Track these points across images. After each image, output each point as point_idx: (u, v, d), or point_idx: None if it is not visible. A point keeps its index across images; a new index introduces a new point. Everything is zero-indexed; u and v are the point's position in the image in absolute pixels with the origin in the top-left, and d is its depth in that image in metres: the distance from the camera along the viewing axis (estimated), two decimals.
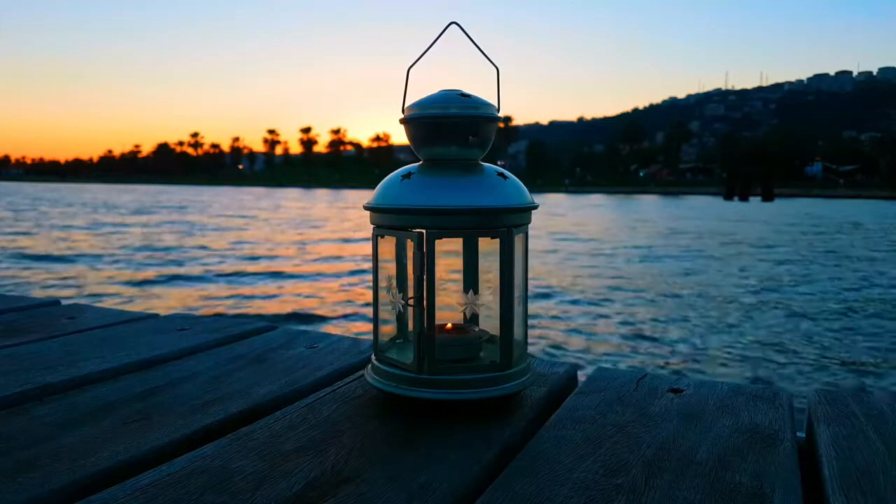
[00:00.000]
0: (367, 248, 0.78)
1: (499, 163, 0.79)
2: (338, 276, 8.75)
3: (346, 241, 13.91)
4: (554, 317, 6.20)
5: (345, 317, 6.15)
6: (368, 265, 0.79)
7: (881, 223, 22.20)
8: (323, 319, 6.01)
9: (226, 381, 0.78)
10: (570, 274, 8.94)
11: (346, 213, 24.74)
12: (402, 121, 0.71)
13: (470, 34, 0.71)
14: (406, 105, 0.71)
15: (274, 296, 7.23)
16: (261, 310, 6.39)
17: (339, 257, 10.83)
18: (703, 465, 0.57)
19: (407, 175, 0.69)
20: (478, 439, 0.61)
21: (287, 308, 6.48)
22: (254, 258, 10.51)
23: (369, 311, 0.78)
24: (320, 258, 10.64)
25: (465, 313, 0.77)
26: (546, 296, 7.23)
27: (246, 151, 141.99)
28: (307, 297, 7.14)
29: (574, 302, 6.95)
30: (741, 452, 0.59)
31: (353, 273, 8.98)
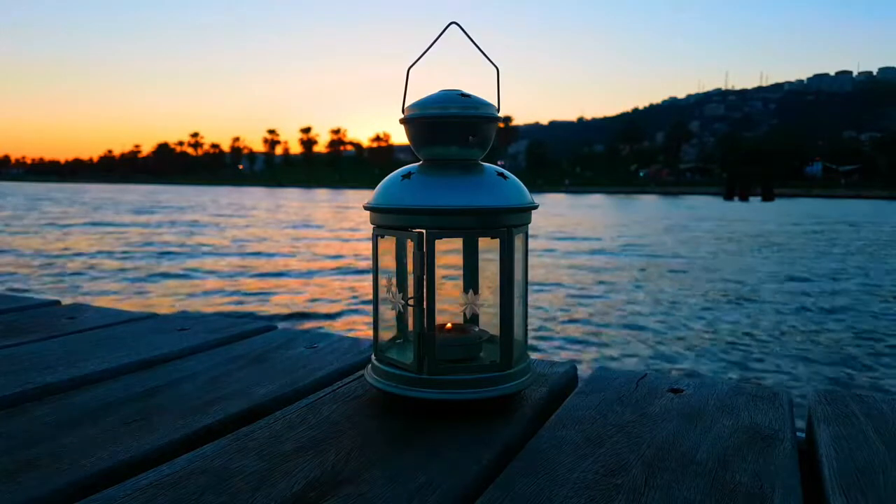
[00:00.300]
0: (367, 248, 0.78)
1: (499, 163, 0.79)
2: (338, 275, 8.75)
3: (346, 240, 13.92)
4: (547, 309, 6.23)
5: (345, 316, 6.15)
6: (368, 264, 0.79)
7: (880, 222, 22.23)
8: (323, 319, 6.01)
9: (226, 381, 0.78)
10: (565, 272, 8.95)
11: (345, 213, 24.76)
12: (402, 121, 0.71)
13: (470, 34, 0.71)
14: (406, 105, 0.71)
15: (274, 295, 7.23)
16: (261, 309, 6.40)
17: (338, 256, 10.84)
18: (703, 465, 0.57)
19: (407, 175, 0.69)
20: (478, 439, 0.61)
21: (287, 308, 6.49)
22: (254, 257, 10.51)
23: (369, 310, 0.78)
24: (320, 257, 10.64)
25: (465, 313, 0.77)
26: (540, 290, 7.28)
27: (246, 151, 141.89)
28: (307, 296, 7.14)
29: (571, 297, 6.98)
30: (741, 452, 0.59)
31: (352, 273, 8.98)
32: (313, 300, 6.89)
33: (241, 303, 6.76)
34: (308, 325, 5.72)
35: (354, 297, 7.07)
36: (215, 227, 16.85)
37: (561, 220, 20.63)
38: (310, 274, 8.80)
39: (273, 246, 12.40)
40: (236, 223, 18.58)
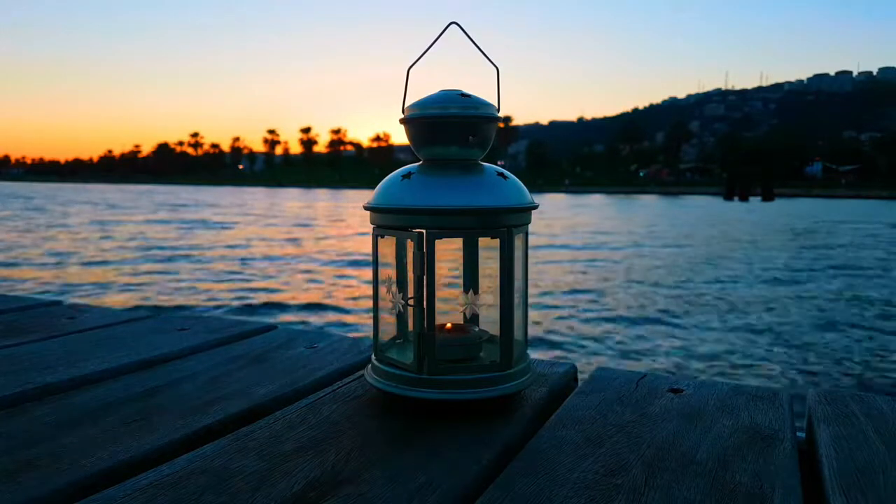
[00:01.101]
0: (367, 247, 0.78)
1: (499, 163, 0.79)
2: (337, 274, 8.75)
3: (346, 239, 13.93)
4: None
5: (344, 316, 6.16)
6: (368, 262, 0.79)
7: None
8: (323, 318, 6.02)
9: (226, 381, 0.78)
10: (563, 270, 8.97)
11: (345, 213, 24.79)
12: (402, 121, 0.71)
13: (470, 34, 0.71)
14: (406, 105, 0.71)
15: (274, 294, 7.23)
16: (261, 308, 6.40)
17: (338, 253, 10.84)
18: (703, 465, 0.57)
19: (407, 175, 0.69)
20: (478, 439, 0.61)
21: (288, 307, 6.49)
22: (254, 256, 10.52)
23: (369, 308, 0.78)
24: (320, 256, 10.64)
25: (465, 313, 0.77)
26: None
27: (246, 151, 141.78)
28: (307, 295, 7.14)
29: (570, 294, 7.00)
30: (741, 452, 0.59)
31: (352, 271, 8.99)
32: (313, 299, 6.89)
33: (242, 302, 6.76)
34: (308, 325, 5.72)
35: (354, 297, 7.07)
36: (216, 225, 16.87)
37: (560, 222, 20.64)
38: (310, 273, 8.80)
39: (274, 244, 12.41)
40: (237, 221, 18.62)
